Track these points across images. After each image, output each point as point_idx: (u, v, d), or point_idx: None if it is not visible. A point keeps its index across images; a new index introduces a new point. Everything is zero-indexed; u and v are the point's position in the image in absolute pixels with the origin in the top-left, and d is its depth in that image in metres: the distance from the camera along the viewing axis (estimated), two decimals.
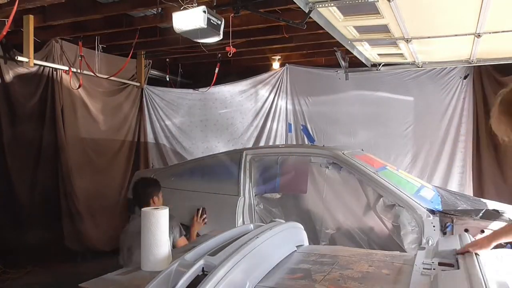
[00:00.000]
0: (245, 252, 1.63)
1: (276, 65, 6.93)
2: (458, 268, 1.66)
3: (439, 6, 3.18)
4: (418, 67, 5.34)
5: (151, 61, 6.89)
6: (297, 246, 2.16)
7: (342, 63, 5.71)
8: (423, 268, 1.75)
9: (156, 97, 6.86)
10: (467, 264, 1.67)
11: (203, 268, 1.52)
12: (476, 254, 1.74)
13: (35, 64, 5.00)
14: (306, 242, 2.33)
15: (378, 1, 2.99)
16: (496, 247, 1.80)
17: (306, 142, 6.70)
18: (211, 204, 3.83)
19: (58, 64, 5.37)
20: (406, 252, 2.94)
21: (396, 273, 1.80)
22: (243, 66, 7.27)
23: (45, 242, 5.01)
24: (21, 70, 5.04)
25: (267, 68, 7.11)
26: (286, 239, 2.10)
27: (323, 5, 3.16)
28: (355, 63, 5.72)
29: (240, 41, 5.32)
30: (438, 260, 1.80)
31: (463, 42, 4.07)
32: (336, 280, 1.70)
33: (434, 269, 1.74)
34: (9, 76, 4.96)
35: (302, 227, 2.40)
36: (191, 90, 7.07)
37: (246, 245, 1.68)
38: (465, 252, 1.77)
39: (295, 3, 3.15)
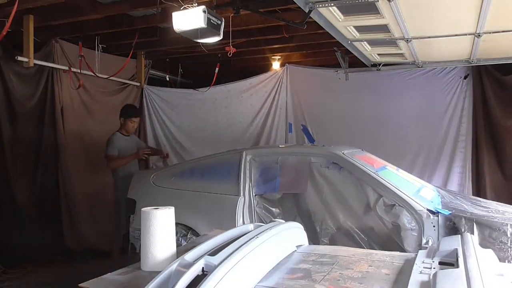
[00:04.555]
0: (245, 252, 1.63)
1: (276, 65, 6.93)
2: (458, 267, 1.67)
3: (439, 6, 3.18)
4: (418, 67, 5.33)
5: (151, 61, 6.89)
6: (297, 246, 2.16)
7: (342, 63, 5.69)
8: (423, 267, 1.75)
9: (156, 97, 6.86)
10: (466, 263, 1.67)
11: (203, 268, 1.52)
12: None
13: (35, 64, 4.99)
14: (306, 242, 2.33)
15: (378, 1, 2.99)
16: None
17: (306, 142, 6.68)
18: (211, 204, 3.83)
19: (58, 64, 5.37)
20: (406, 252, 2.94)
21: (396, 273, 1.80)
22: (243, 66, 7.27)
23: (45, 242, 5.01)
24: (21, 70, 5.04)
25: (267, 68, 7.10)
26: (286, 239, 2.10)
27: (323, 5, 3.15)
28: (355, 63, 5.71)
29: (240, 41, 5.33)
30: (439, 260, 1.80)
31: (463, 42, 4.06)
32: (336, 280, 1.70)
33: (434, 268, 1.74)
34: (9, 76, 4.96)
35: (302, 227, 2.40)
36: (191, 90, 7.07)
37: (246, 245, 1.68)
38: None
39: (295, 3, 3.15)
